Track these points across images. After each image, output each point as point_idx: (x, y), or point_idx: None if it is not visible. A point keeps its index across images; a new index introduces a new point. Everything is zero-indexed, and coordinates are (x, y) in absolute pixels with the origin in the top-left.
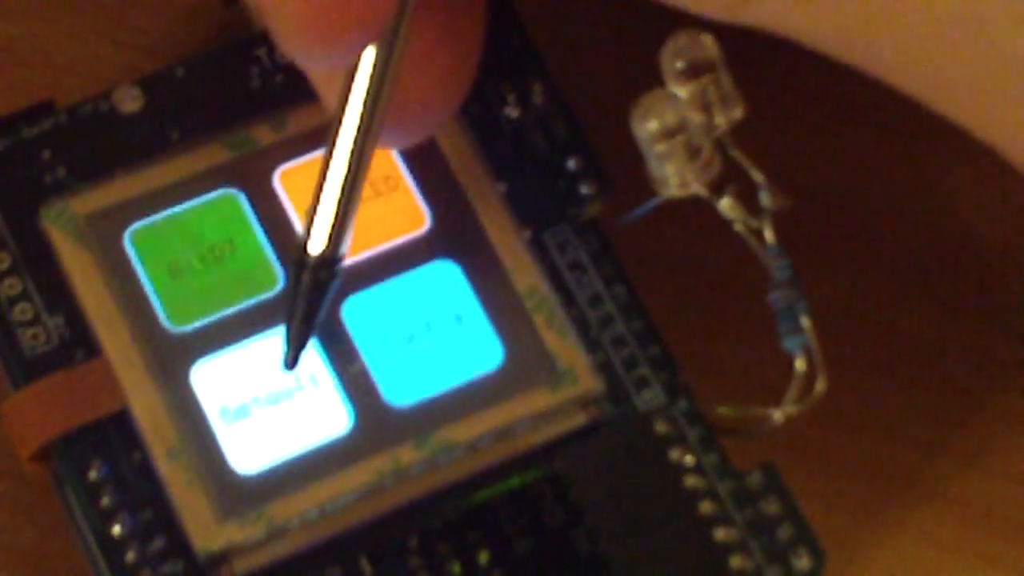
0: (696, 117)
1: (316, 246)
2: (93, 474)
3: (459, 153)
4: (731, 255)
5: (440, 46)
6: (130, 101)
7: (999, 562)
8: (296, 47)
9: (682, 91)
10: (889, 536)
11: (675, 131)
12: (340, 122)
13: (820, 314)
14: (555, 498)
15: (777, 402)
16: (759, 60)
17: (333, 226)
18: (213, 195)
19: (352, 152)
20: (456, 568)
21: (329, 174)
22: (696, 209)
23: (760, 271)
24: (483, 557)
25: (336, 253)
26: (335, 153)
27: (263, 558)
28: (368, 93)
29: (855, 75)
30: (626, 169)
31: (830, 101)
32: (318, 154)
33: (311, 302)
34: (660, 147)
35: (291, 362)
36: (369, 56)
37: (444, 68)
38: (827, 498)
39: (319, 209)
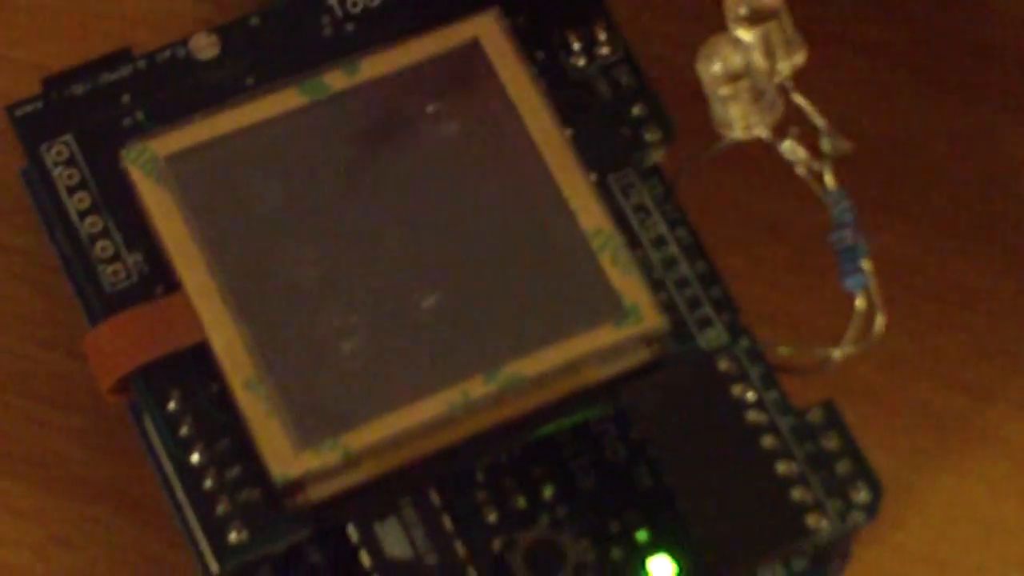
0: (760, 61)
1: None
2: (172, 404)
3: (528, 100)
4: (790, 203)
5: None
6: (207, 48)
7: None
8: None
9: (746, 35)
10: (943, 479)
11: (739, 74)
12: None
13: (877, 262)
14: (618, 435)
15: (835, 346)
16: (818, 13)
17: None
18: None
19: None
20: (521, 502)
21: None
22: (756, 157)
23: (819, 219)
24: (547, 492)
25: None
26: None
27: (337, 486)
28: None
29: (911, 29)
30: (690, 116)
31: (887, 55)
32: None
33: None
34: (725, 90)
35: None
36: None
37: None
38: (883, 441)
39: None
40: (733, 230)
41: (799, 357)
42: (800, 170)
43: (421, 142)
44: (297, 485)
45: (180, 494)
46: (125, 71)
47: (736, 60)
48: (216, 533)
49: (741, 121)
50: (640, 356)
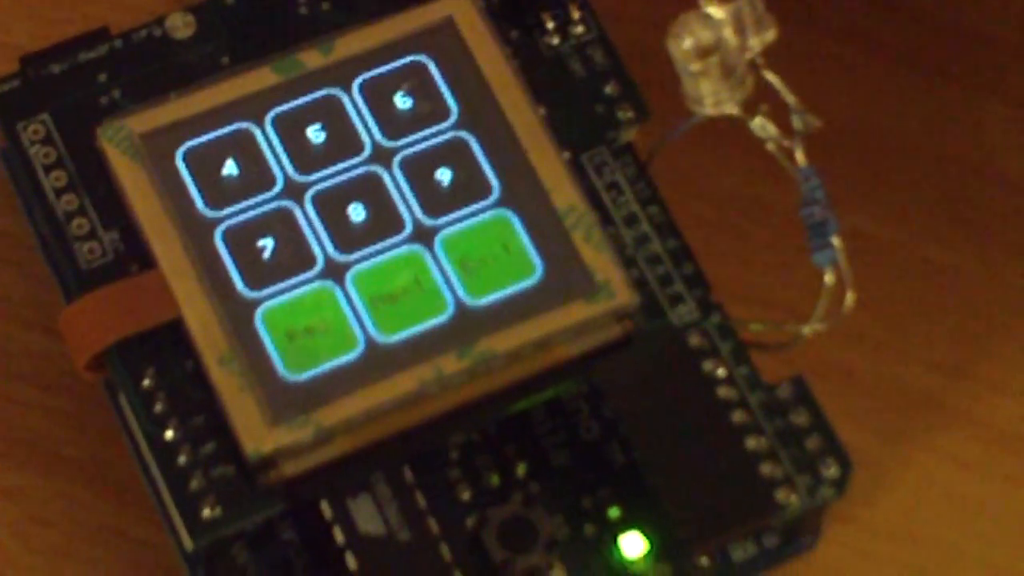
0: (730, 38)
1: None
2: (147, 381)
3: (501, 79)
4: (762, 181)
5: None
6: (182, 27)
7: (1022, 482)
8: None
9: (717, 12)
10: (914, 457)
11: (710, 50)
12: None
13: (848, 241)
14: (591, 412)
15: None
16: None
17: None
18: None
19: None
20: (494, 479)
21: None
22: (728, 135)
23: (790, 196)
24: (520, 469)
25: None
26: None
27: (310, 462)
28: None
29: (883, 9)
30: (663, 95)
31: (857, 37)
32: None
33: None
34: (695, 66)
35: None
36: None
37: None
38: (854, 419)
39: None
40: (705, 207)
41: (770, 333)
42: (771, 147)
43: (395, 120)
44: (270, 461)
45: (154, 470)
46: (102, 50)
47: (706, 36)
48: (190, 509)
49: (711, 97)
50: (612, 332)
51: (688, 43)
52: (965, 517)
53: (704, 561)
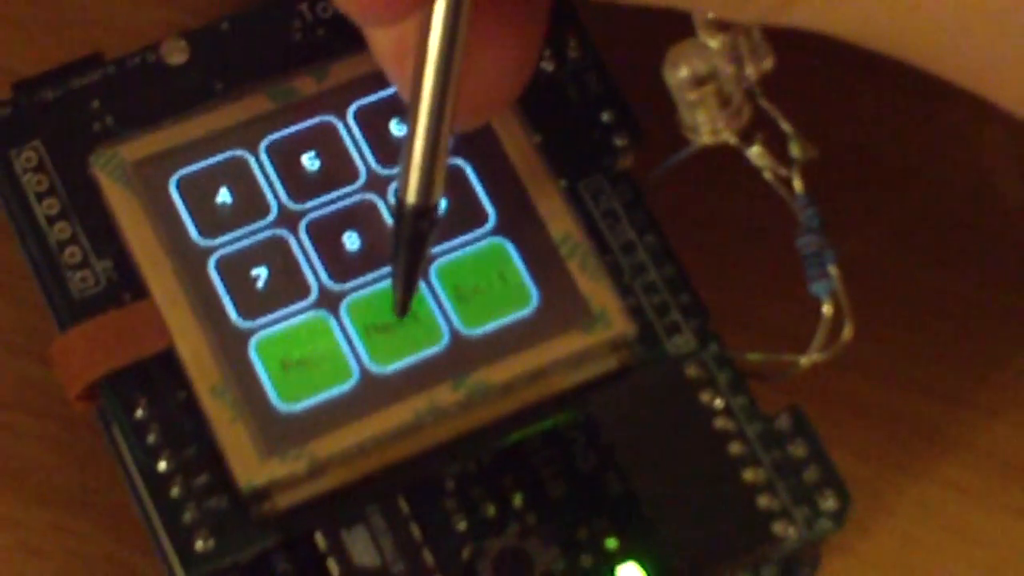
0: (727, 67)
1: (411, 197)
2: (139, 412)
3: None
4: (758, 209)
5: (506, 32)
6: (177, 53)
7: (1022, 511)
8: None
9: (713, 42)
10: (913, 485)
11: (706, 79)
12: (420, 78)
13: (846, 268)
14: (587, 442)
15: (804, 352)
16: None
17: (423, 177)
18: None
19: (435, 104)
20: (491, 510)
21: (417, 127)
22: (724, 163)
23: (787, 224)
24: (517, 500)
25: (431, 202)
26: (421, 104)
27: (304, 494)
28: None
29: None
30: (658, 122)
31: (853, 60)
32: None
33: (413, 250)
34: (691, 95)
35: (401, 310)
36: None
37: (511, 52)
38: (852, 448)
39: (411, 162)
40: (702, 235)
41: (767, 363)
42: (768, 175)
43: (390, 147)
44: (264, 493)
45: (147, 502)
46: (95, 76)
47: (703, 66)
48: (182, 541)
49: (708, 126)
50: (608, 362)
51: (684, 72)
52: (964, 547)
53: None
